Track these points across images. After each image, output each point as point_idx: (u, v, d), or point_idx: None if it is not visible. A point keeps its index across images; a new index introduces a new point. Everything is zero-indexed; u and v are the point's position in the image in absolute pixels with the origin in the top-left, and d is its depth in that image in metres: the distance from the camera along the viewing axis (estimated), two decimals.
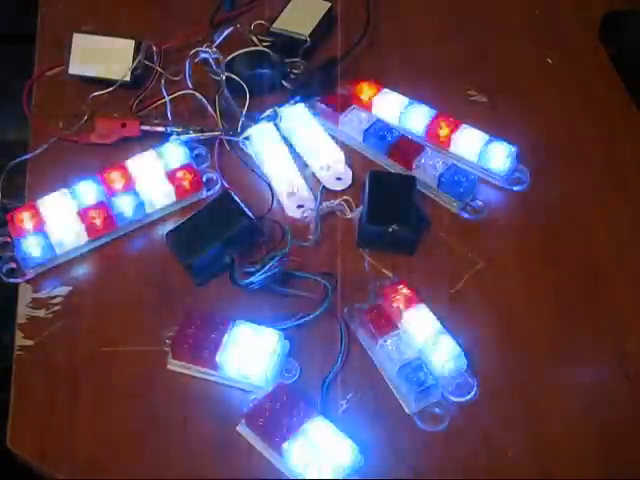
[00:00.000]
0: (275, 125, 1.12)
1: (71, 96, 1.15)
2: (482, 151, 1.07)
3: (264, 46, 1.18)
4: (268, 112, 1.12)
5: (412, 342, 0.94)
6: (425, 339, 0.94)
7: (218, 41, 1.14)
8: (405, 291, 0.97)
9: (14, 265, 1.01)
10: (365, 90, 1.14)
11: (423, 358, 0.93)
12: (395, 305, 0.96)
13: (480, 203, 1.06)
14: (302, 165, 1.10)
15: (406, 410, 0.92)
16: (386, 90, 1.13)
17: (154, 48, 1.15)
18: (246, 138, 1.10)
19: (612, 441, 0.91)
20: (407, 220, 1.02)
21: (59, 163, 1.10)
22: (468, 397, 0.92)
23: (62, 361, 0.95)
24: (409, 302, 0.96)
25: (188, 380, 0.94)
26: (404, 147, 1.09)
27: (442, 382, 0.92)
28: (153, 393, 0.93)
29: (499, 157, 1.07)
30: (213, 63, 1.12)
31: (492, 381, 0.94)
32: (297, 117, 1.12)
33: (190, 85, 1.11)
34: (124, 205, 1.03)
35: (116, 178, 1.05)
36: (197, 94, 1.10)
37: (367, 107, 1.13)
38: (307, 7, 1.22)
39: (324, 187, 1.08)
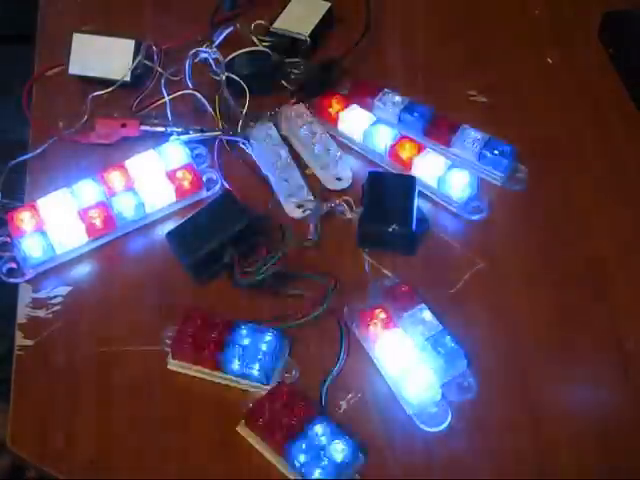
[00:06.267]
0: (275, 125, 1.12)
1: (71, 96, 1.15)
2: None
3: (264, 46, 1.18)
4: (268, 112, 1.12)
5: (412, 342, 0.94)
6: (425, 339, 0.94)
7: (218, 41, 1.14)
8: (405, 291, 0.97)
9: (14, 265, 1.01)
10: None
11: (423, 358, 0.93)
12: (395, 305, 0.96)
13: (480, 203, 1.06)
14: (302, 165, 1.10)
15: (406, 410, 0.92)
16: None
17: (154, 48, 1.15)
18: (246, 138, 1.10)
19: (612, 441, 0.91)
20: (407, 220, 1.02)
21: (59, 163, 1.10)
22: (468, 397, 0.92)
23: (62, 361, 0.96)
24: (408, 302, 0.96)
25: (188, 380, 0.94)
26: (404, 147, 1.09)
27: (442, 382, 0.92)
28: (153, 393, 0.94)
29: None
30: (213, 63, 1.12)
31: (492, 381, 0.94)
32: (297, 117, 1.12)
33: (190, 85, 1.11)
34: (124, 205, 1.03)
35: (116, 178, 1.05)
36: (197, 94, 1.10)
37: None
38: (307, 7, 1.22)
39: (324, 187, 1.08)
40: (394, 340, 0.94)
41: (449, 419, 0.91)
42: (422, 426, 0.90)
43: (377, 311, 0.96)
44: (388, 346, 0.94)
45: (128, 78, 1.14)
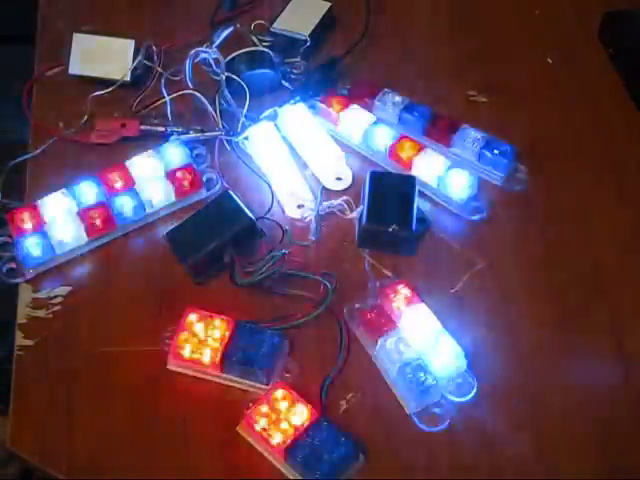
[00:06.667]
0: (275, 125, 1.12)
1: (71, 96, 1.15)
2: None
3: (264, 46, 1.18)
4: (268, 112, 1.12)
5: (412, 342, 0.94)
6: (425, 339, 0.94)
7: (218, 41, 1.14)
8: (405, 291, 0.97)
9: (14, 265, 1.01)
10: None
11: (423, 358, 0.93)
12: (395, 305, 0.96)
13: (480, 203, 1.06)
14: (302, 165, 1.10)
15: (406, 410, 0.92)
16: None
17: (154, 48, 1.15)
18: (246, 138, 1.10)
19: (612, 441, 0.91)
20: (407, 220, 1.02)
21: (59, 163, 1.10)
22: (468, 397, 0.92)
23: (62, 361, 0.96)
24: (409, 302, 0.96)
25: (188, 380, 0.94)
26: (404, 147, 1.09)
27: (442, 382, 0.92)
28: (153, 393, 0.93)
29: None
30: (213, 63, 1.12)
31: (492, 381, 0.94)
32: (297, 117, 1.12)
33: (190, 85, 1.11)
34: (124, 205, 1.03)
35: (116, 178, 1.05)
36: (197, 94, 1.10)
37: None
38: (307, 7, 1.22)
39: (324, 187, 1.08)
40: (394, 340, 0.94)
41: (449, 420, 0.91)
42: (422, 426, 0.90)
43: (377, 311, 0.96)
44: (388, 346, 0.94)
45: (128, 78, 1.14)
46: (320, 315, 0.96)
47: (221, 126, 1.10)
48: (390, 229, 1.01)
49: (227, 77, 1.11)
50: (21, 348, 0.96)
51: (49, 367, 0.95)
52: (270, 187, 1.07)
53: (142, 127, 1.11)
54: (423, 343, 0.93)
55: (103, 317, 0.99)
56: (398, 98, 1.13)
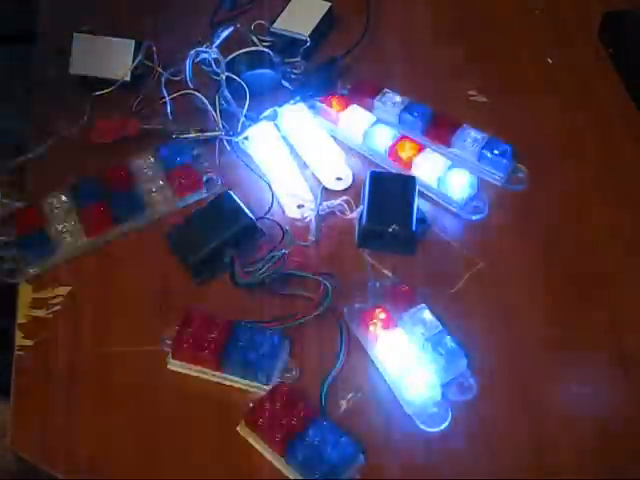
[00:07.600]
0: (275, 125, 1.12)
1: (71, 96, 1.15)
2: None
3: (264, 46, 1.18)
4: (268, 112, 1.12)
5: (412, 342, 0.94)
6: (425, 339, 0.94)
7: (218, 41, 1.14)
8: (405, 291, 0.97)
9: (14, 265, 1.01)
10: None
11: (423, 358, 0.93)
12: (395, 305, 0.96)
13: (480, 203, 1.06)
14: (302, 165, 1.10)
15: (406, 410, 0.92)
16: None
17: (154, 48, 1.15)
18: (246, 138, 1.10)
19: (612, 441, 0.91)
20: (407, 220, 1.02)
21: (59, 163, 1.10)
22: (468, 397, 0.92)
23: (62, 361, 0.96)
24: (408, 302, 0.96)
25: (188, 380, 0.94)
26: (404, 147, 1.09)
27: (442, 382, 0.92)
28: (153, 393, 0.94)
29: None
30: (213, 63, 1.12)
31: (492, 381, 0.94)
32: (297, 117, 1.12)
33: (190, 85, 1.11)
34: (124, 205, 1.03)
35: (116, 178, 1.05)
36: (197, 94, 1.10)
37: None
38: (307, 7, 1.22)
39: (324, 187, 1.08)
40: (394, 340, 0.94)
41: (449, 419, 0.91)
42: (422, 426, 0.90)
43: (377, 311, 0.96)
44: (388, 346, 0.94)
45: (128, 78, 1.14)
46: (320, 315, 0.96)
47: (221, 126, 1.10)
48: (390, 229, 1.01)
49: (227, 77, 1.11)
50: (21, 348, 0.96)
51: (49, 367, 0.95)
52: (270, 187, 1.07)
53: (142, 127, 1.11)
54: (423, 343, 0.93)
55: (103, 317, 0.99)
56: (398, 98, 1.13)
